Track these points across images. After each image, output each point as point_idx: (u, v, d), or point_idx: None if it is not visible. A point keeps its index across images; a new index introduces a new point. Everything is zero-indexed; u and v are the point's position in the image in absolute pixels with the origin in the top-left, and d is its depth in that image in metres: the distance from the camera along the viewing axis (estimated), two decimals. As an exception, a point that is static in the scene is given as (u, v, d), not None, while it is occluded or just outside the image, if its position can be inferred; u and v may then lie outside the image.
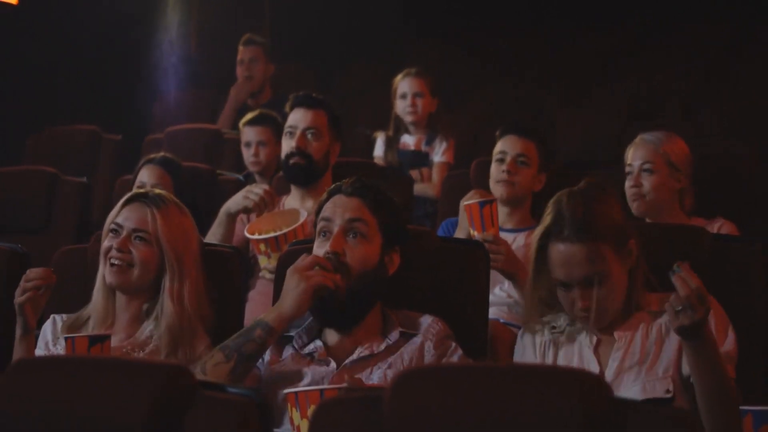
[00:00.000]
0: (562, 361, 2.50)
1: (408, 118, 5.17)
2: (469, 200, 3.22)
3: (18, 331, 2.64)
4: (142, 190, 2.81)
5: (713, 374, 2.24)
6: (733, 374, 2.40)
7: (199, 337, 2.70)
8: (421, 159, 5.12)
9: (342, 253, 2.54)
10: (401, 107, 5.18)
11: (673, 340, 2.41)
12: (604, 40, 7.62)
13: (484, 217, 3.11)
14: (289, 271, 2.51)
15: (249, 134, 4.64)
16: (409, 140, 5.21)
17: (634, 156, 3.53)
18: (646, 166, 3.49)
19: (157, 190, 2.85)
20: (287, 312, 2.49)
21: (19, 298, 2.60)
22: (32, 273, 2.63)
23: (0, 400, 1.76)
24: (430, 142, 5.16)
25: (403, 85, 5.17)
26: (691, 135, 5.69)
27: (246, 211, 3.62)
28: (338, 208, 2.60)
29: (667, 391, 2.39)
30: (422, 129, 5.19)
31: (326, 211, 2.61)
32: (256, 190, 3.61)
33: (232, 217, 3.63)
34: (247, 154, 4.66)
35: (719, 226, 3.43)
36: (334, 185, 2.68)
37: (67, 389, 1.74)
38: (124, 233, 2.71)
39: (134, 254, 2.70)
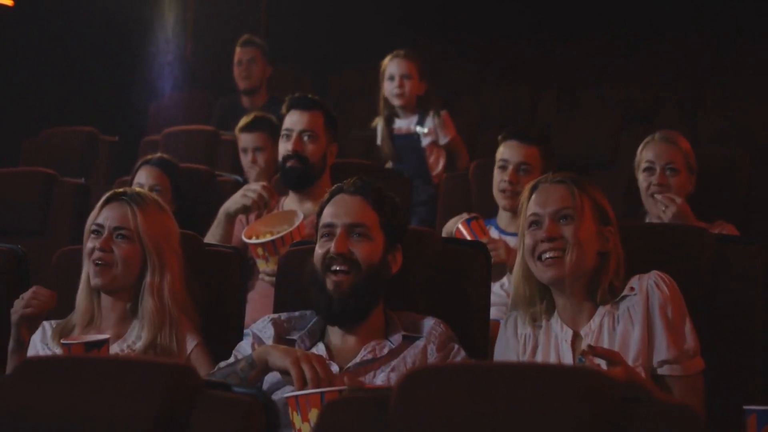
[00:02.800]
0: (540, 356, 2.52)
1: (395, 101, 5.07)
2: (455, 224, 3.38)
3: (11, 344, 2.64)
4: (120, 189, 2.82)
5: None
6: (702, 365, 2.42)
7: (184, 332, 2.71)
8: (413, 142, 5.05)
9: (348, 253, 2.55)
10: (389, 89, 5.08)
11: (638, 330, 2.43)
12: (599, 44, 7.64)
13: (474, 230, 3.29)
14: (306, 353, 2.41)
15: (245, 141, 4.63)
16: (401, 124, 5.13)
17: (656, 154, 3.49)
18: (671, 165, 3.47)
19: (137, 189, 2.87)
20: (268, 361, 2.42)
21: (24, 310, 2.59)
22: (41, 292, 2.62)
23: (7, 400, 1.76)
24: (421, 122, 5.07)
25: (391, 66, 5.07)
26: (687, 139, 5.72)
27: (245, 210, 3.61)
28: (341, 210, 2.60)
29: None
30: (411, 111, 5.09)
31: (328, 214, 2.61)
32: (253, 188, 3.61)
33: (230, 217, 3.62)
34: (245, 161, 4.65)
35: (719, 230, 3.42)
36: (336, 186, 2.68)
37: (75, 389, 1.74)
38: (106, 233, 2.72)
39: (116, 253, 2.71)
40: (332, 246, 2.56)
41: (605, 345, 2.44)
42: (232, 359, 2.58)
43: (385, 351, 2.56)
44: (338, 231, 2.57)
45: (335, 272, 2.55)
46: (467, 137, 5.73)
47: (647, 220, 3.50)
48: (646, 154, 3.52)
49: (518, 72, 7.37)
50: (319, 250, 2.59)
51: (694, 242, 2.67)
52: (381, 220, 2.59)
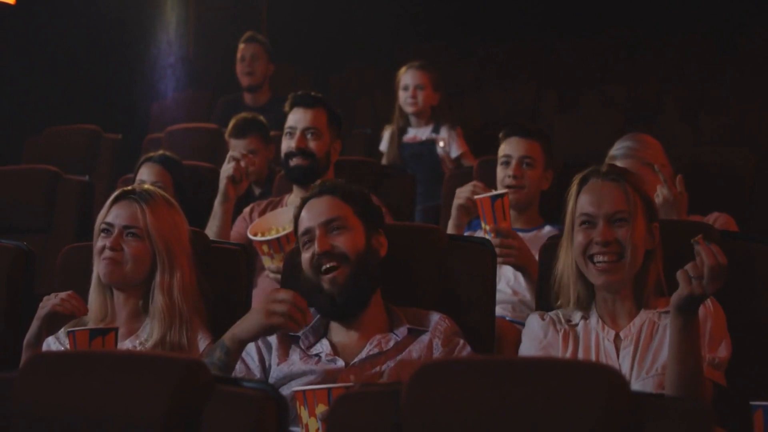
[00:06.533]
0: (581, 353, 2.49)
1: (408, 109, 5.28)
2: (463, 197, 3.27)
3: (29, 338, 2.62)
4: (129, 188, 2.83)
5: (692, 358, 2.24)
6: (720, 380, 2.39)
7: (195, 330, 2.72)
8: (426, 148, 5.22)
9: (332, 248, 2.59)
10: (402, 98, 5.29)
11: None
12: (600, 43, 7.64)
13: (496, 211, 3.11)
14: (266, 297, 2.50)
15: (237, 147, 4.63)
16: (415, 133, 5.31)
17: None
18: None
19: (146, 186, 2.87)
20: (241, 335, 2.49)
21: (56, 306, 2.57)
22: (77, 297, 2.61)
23: (18, 395, 1.76)
24: (437, 130, 5.27)
25: (406, 77, 5.29)
26: (688, 138, 5.74)
27: (233, 181, 3.66)
28: (313, 212, 2.65)
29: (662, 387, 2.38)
30: (425, 120, 5.30)
31: (304, 221, 2.67)
32: (228, 161, 3.70)
33: (224, 203, 3.67)
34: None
35: (715, 219, 3.44)
36: (301, 197, 2.73)
37: (86, 384, 1.74)
38: (116, 231, 2.72)
39: (126, 251, 2.71)
40: (315, 247, 2.60)
41: (641, 350, 2.44)
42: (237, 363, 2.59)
43: (391, 344, 2.58)
44: (317, 232, 2.61)
45: (327, 271, 2.59)
46: (469, 136, 5.75)
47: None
48: None
49: (520, 71, 7.38)
50: (305, 255, 2.64)
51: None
52: (354, 209, 2.65)
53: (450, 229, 3.41)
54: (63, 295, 2.59)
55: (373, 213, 2.70)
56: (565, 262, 2.53)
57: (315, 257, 2.60)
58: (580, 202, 2.49)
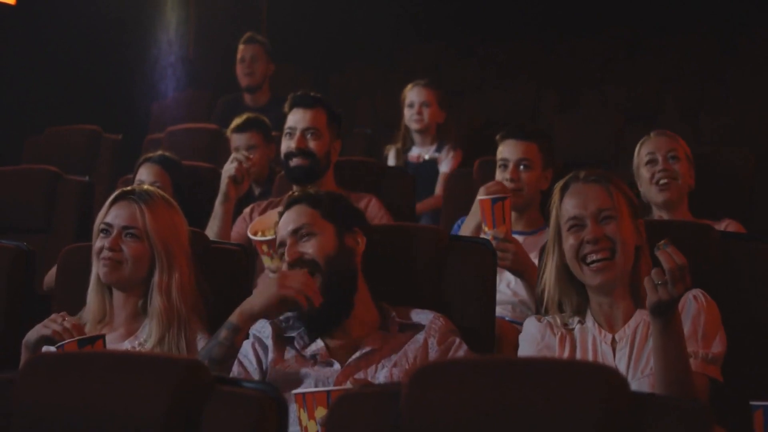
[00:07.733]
0: (579, 356, 2.49)
1: (414, 126, 5.31)
2: (484, 194, 3.23)
3: (27, 341, 2.61)
4: (128, 188, 2.83)
5: (676, 359, 2.24)
6: (715, 375, 2.39)
7: (194, 331, 2.71)
8: (429, 167, 5.24)
9: (300, 255, 2.61)
10: (408, 116, 5.32)
11: None
12: (601, 43, 7.65)
13: (495, 214, 3.10)
14: (277, 274, 2.57)
15: (238, 141, 4.65)
16: (419, 152, 5.33)
17: (656, 146, 3.53)
18: (672, 153, 3.51)
19: (145, 186, 2.86)
20: (253, 311, 2.54)
21: (56, 334, 2.54)
22: (80, 330, 2.59)
23: (18, 395, 1.76)
24: (440, 150, 5.29)
25: (411, 94, 5.32)
26: (688, 138, 5.74)
27: (235, 181, 3.69)
28: (283, 225, 2.69)
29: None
30: (429, 139, 5.33)
31: (278, 238, 2.70)
32: (230, 161, 3.72)
33: (225, 202, 3.68)
34: None
35: (726, 226, 3.44)
36: (279, 211, 2.76)
37: (86, 384, 1.74)
38: (115, 232, 2.73)
39: (126, 252, 2.71)
40: (286, 257, 2.63)
41: (637, 350, 2.44)
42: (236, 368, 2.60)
43: (383, 340, 2.59)
44: (288, 242, 2.64)
45: None
46: (469, 136, 5.76)
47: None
48: (645, 149, 3.57)
49: (520, 71, 7.39)
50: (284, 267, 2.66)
51: (700, 239, 2.68)
52: (322, 213, 2.67)
53: (469, 223, 3.42)
54: (68, 324, 2.57)
55: (346, 212, 2.72)
56: (552, 272, 2.54)
57: (288, 267, 2.62)
58: (565, 207, 2.51)
